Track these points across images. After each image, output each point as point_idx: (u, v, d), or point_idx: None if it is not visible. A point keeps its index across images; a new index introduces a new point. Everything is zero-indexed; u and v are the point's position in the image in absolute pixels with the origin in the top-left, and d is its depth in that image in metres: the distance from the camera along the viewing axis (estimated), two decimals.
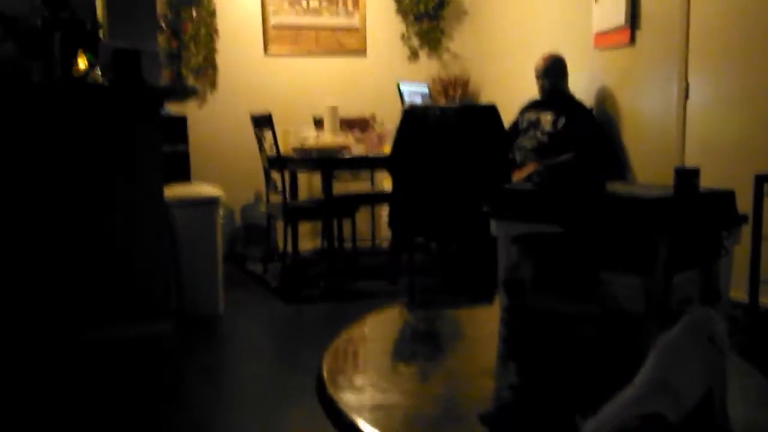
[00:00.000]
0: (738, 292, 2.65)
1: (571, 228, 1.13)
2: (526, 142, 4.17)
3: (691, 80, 3.50)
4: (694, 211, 1.20)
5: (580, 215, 1.15)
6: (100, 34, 3.15)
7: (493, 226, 1.24)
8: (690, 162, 3.50)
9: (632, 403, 0.73)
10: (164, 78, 4.95)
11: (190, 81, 5.09)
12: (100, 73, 3.01)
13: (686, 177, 1.19)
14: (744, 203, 1.65)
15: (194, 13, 5.02)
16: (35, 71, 2.79)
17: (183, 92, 4.99)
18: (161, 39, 4.89)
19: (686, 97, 3.52)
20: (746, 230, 2.48)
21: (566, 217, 1.15)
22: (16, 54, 2.76)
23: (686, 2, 3.49)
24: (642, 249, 1.04)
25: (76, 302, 2.90)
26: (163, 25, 4.91)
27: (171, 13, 4.99)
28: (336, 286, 4.06)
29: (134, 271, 3.00)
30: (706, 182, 1.25)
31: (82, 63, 2.96)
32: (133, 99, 2.95)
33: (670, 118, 3.61)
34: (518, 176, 3.96)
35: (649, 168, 3.80)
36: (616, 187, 1.28)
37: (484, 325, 1.40)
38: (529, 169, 3.98)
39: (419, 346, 1.28)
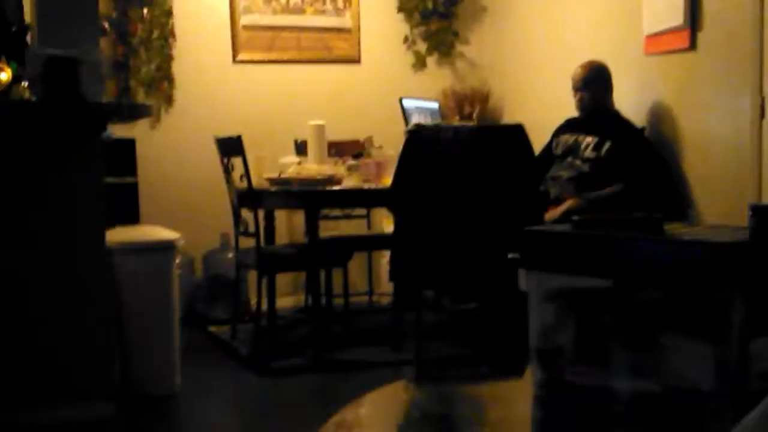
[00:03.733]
0: None
1: (621, 281, 1.12)
2: (563, 171, 4.18)
3: (767, 93, 3.53)
4: None
5: (632, 265, 1.15)
6: (29, 38, 3.18)
7: (523, 279, 1.24)
8: None
9: None
10: (108, 93, 4.99)
11: (141, 96, 5.13)
12: (27, 86, 3.03)
13: (764, 216, 1.20)
14: None
15: (145, 13, 5.08)
16: None
17: (131, 111, 5.01)
18: (104, 44, 4.94)
19: (762, 114, 3.54)
20: None
21: (615, 267, 1.15)
22: None
23: None
24: (711, 308, 1.04)
25: None
26: (107, 27, 4.97)
27: (116, 12, 5.06)
28: (323, 354, 4.04)
29: (64, 338, 2.98)
30: None
31: (4, 74, 2.98)
32: (69, 119, 2.97)
33: (742, 140, 3.62)
34: (553, 214, 3.96)
35: (717, 204, 3.80)
36: (676, 228, 1.28)
37: (512, 405, 1.39)
38: (567, 205, 3.99)
39: None
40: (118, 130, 4.72)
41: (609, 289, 1.14)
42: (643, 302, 1.11)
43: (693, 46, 3.89)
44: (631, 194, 3.91)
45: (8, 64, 3.01)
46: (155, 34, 5.12)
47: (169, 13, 5.15)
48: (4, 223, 2.91)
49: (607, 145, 4.08)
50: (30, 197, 2.94)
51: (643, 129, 4.19)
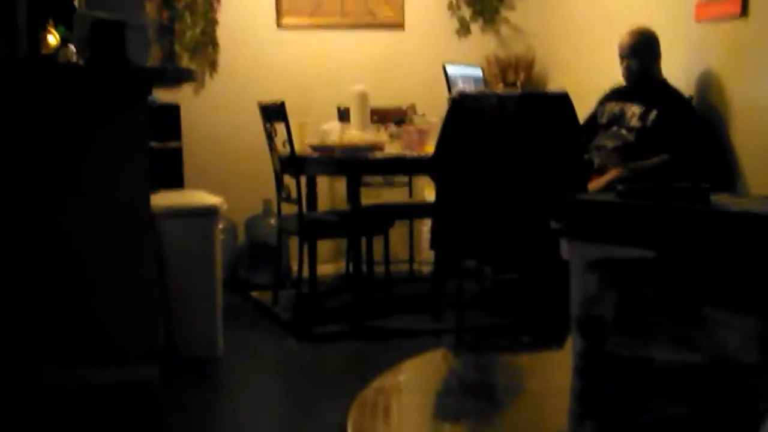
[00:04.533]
0: None
1: (665, 252, 1.11)
2: (607, 140, 4.14)
3: None
4: None
5: (677, 235, 1.14)
6: (76, 2, 3.21)
7: (565, 248, 1.23)
8: None
9: None
10: (153, 57, 5.02)
11: (185, 61, 5.16)
12: (74, 50, 3.06)
13: None
14: None
15: None
16: None
17: (176, 75, 5.04)
18: (150, 8, 4.97)
19: None
20: None
21: (659, 238, 1.14)
22: None
23: None
24: (757, 280, 1.03)
25: (32, 337, 2.94)
26: None
27: None
28: (364, 321, 4.07)
29: (109, 300, 3.03)
30: None
31: (52, 38, 3.01)
32: (114, 83, 3.00)
33: None
34: (597, 184, 3.93)
35: (765, 175, 3.74)
36: (723, 199, 1.26)
37: (552, 375, 1.39)
38: (611, 174, 3.95)
39: (469, 402, 1.27)
40: (163, 95, 4.76)
41: (652, 260, 1.13)
42: (687, 274, 1.10)
43: (744, 12, 3.81)
44: (677, 165, 3.86)
45: (56, 27, 3.04)
46: None
47: None
48: (51, 185, 2.95)
49: (653, 115, 4.02)
50: (76, 160, 2.98)
51: (690, 98, 4.13)
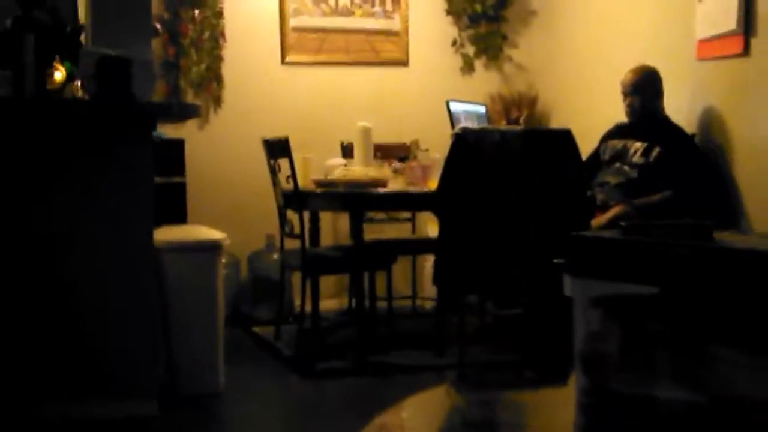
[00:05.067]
0: None
1: (669, 289, 1.11)
2: (610, 177, 4.15)
3: None
4: None
5: (680, 272, 1.13)
6: (83, 38, 3.23)
7: (568, 284, 1.22)
8: None
9: None
10: (158, 92, 5.05)
11: (190, 96, 5.19)
12: (80, 85, 3.08)
13: None
14: None
15: (196, 14, 5.14)
16: (2, 84, 2.86)
17: (181, 110, 5.07)
18: (156, 45, 5.01)
19: None
20: None
21: (663, 275, 1.13)
22: None
23: None
24: (761, 318, 1.02)
25: (31, 371, 2.92)
26: (159, 27, 5.03)
27: (168, 13, 5.12)
28: (366, 357, 4.04)
29: (110, 334, 3.02)
30: None
31: (59, 73, 3.03)
32: (120, 118, 3.01)
33: None
34: (600, 220, 3.93)
35: None
36: (727, 236, 1.26)
37: (555, 412, 1.38)
38: (615, 211, 3.95)
39: None
40: (167, 130, 4.79)
41: (656, 297, 1.12)
42: (691, 311, 1.09)
43: (746, 51, 3.83)
44: (680, 202, 3.86)
45: (62, 63, 3.07)
46: (206, 35, 5.17)
47: (219, 15, 5.20)
48: (54, 219, 2.95)
49: (656, 151, 4.03)
50: (80, 194, 2.98)
51: (693, 135, 4.14)
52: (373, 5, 5.54)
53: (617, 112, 4.31)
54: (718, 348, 0.98)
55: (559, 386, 1.43)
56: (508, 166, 3.59)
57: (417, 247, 5.01)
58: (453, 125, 4.48)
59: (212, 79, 5.22)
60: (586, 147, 4.10)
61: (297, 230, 4.18)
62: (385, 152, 4.66)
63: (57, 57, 3.03)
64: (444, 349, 4.11)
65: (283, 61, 5.41)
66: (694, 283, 1.13)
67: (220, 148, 5.26)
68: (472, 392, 1.57)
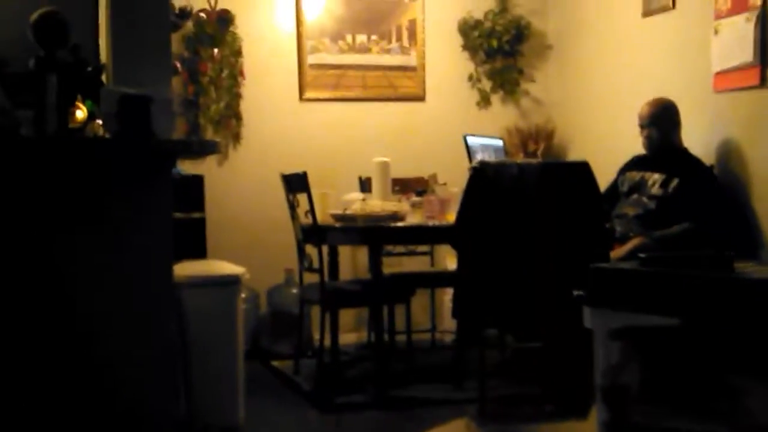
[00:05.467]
0: None
1: (690, 320, 1.10)
2: (629, 209, 4.13)
3: None
4: None
5: (701, 303, 1.13)
6: (104, 77, 3.27)
7: (588, 316, 1.22)
8: None
9: None
10: (178, 130, 5.09)
11: (209, 133, 5.23)
12: (101, 123, 3.11)
13: None
14: None
15: (216, 53, 5.19)
16: (25, 123, 2.90)
17: (200, 147, 5.11)
18: (176, 83, 5.05)
19: None
20: None
21: (683, 306, 1.13)
22: (3, 102, 2.88)
23: None
24: None
25: (51, 408, 2.92)
26: (179, 66, 5.08)
27: (188, 52, 5.18)
28: (386, 390, 4.02)
29: (130, 369, 3.02)
30: None
31: (80, 112, 3.06)
32: (140, 155, 3.03)
33: None
34: (619, 252, 3.91)
35: None
36: (747, 267, 1.26)
37: None
38: (634, 243, 3.93)
39: None
40: (187, 167, 4.82)
41: (676, 328, 1.12)
42: (712, 342, 1.08)
43: (763, 82, 3.83)
44: (699, 233, 3.84)
45: (84, 102, 3.10)
46: (225, 73, 5.22)
47: (238, 53, 5.25)
48: (74, 257, 2.97)
49: (674, 183, 4.02)
50: (101, 231, 3.00)
51: (711, 167, 4.12)
52: (389, 42, 5.58)
53: (635, 144, 4.31)
54: (739, 379, 0.98)
55: (579, 420, 1.42)
56: (526, 199, 3.59)
57: (436, 280, 5.00)
58: (470, 159, 4.48)
59: (231, 116, 5.26)
60: (604, 179, 4.10)
61: (316, 264, 4.18)
62: (403, 186, 4.67)
63: (79, 96, 3.07)
64: (464, 382, 4.08)
65: (301, 98, 5.44)
66: (715, 314, 1.12)
67: (239, 184, 5.29)
68: (492, 426, 1.56)
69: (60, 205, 2.97)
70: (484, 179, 3.64)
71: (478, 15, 5.67)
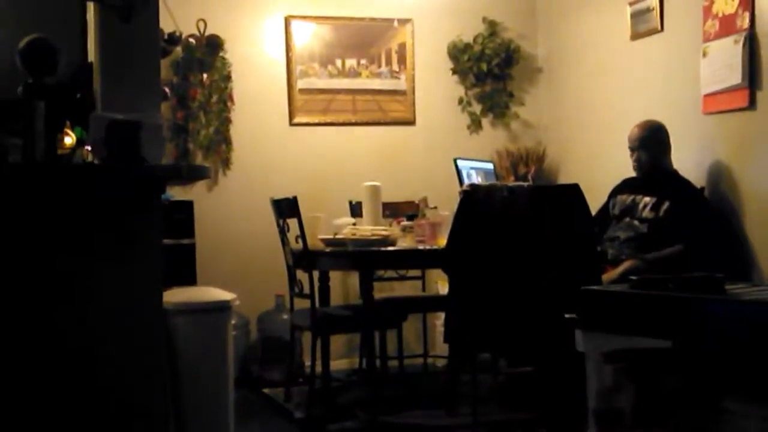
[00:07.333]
0: None
1: (682, 343, 1.10)
2: (620, 232, 4.14)
3: None
4: None
5: (693, 326, 1.13)
6: (93, 103, 3.27)
7: (580, 340, 1.22)
8: None
9: None
10: (167, 155, 5.09)
11: (199, 159, 5.23)
12: (90, 149, 3.11)
13: None
14: None
15: (205, 78, 5.21)
16: (12, 150, 2.89)
17: (190, 173, 5.11)
18: (165, 108, 5.06)
19: None
20: None
21: (675, 328, 1.13)
22: None
23: None
24: None
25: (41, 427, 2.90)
26: (168, 92, 5.09)
27: (177, 78, 5.19)
28: (378, 417, 4.01)
29: (119, 396, 3.00)
30: None
31: (69, 138, 3.06)
32: (129, 181, 3.03)
33: None
34: (610, 275, 3.91)
35: None
36: (739, 289, 1.26)
37: None
38: (625, 266, 3.94)
39: None
40: (176, 192, 4.82)
41: (669, 351, 1.12)
42: (704, 364, 1.08)
43: (752, 104, 3.86)
44: (691, 255, 3.85)
45: (73, 128, 3.10)
46: (214, 98, 5.23)
47: (228, 78, 5.27)
48: (62, 284, 2.96)
49: (665, 206, 4.03)
50: (90, 257, 2.99)
51: (702, 189, 4.14)
52: (379, 66, 5.61)
53: (625, 167, 4.33)
54: (733, 401, 0.98)
55: None
56: (517, 222, 3.59)
57: (427, 304, 4.99)
58: (461, 182, 4.49)
59: (221, 142, 5.27)
60: (595, 202, 4.11)
61: (306, 290, 4.17)
62: (393, 210, 4.67)
63: (67, 122, 3.07)
64: (456, 408, 4.06)
65: (290, 123, 5.45)
66: (707, 336, 1.12)
67: (229, 209, 5.28)
68: None
69: (48, 232, 2.96)
70: (475, 203, 3.64)
71: (468, 39, 5.70)
